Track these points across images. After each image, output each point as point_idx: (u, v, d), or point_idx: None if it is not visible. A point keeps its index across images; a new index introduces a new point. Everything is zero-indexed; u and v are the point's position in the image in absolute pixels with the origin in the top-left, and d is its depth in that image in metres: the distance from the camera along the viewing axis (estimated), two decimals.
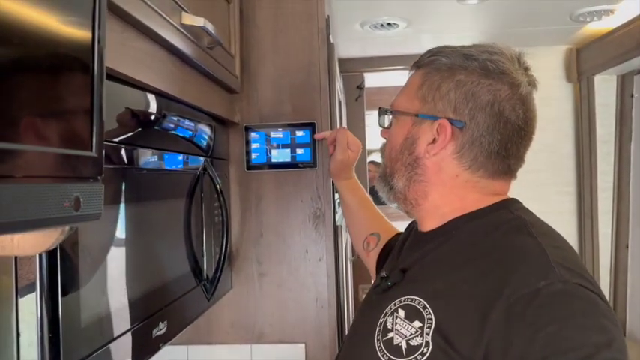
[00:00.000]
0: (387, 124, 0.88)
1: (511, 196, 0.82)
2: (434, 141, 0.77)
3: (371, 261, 1.15)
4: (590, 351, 0.56)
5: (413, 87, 0.82)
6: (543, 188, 2.55)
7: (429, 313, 0.68)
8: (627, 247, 2.42)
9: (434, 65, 0.80)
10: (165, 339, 0.85)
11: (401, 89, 0.87)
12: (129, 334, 0.72)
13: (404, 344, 0.68)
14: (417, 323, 0.68)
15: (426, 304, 0.69)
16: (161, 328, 0.83)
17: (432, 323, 0.67)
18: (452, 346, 0.63)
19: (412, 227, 0.97)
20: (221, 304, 1.31)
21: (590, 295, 0.62)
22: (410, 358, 0.66)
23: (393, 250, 0.98)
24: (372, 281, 1.13)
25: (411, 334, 0.68)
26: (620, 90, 2.45)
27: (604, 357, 0.56)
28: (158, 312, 0.83)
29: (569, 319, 0.59)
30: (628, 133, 2.41)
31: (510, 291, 0.62)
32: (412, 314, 0.70)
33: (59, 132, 0.39)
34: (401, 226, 1.06)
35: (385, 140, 0.90)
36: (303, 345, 1.30)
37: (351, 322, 1.67)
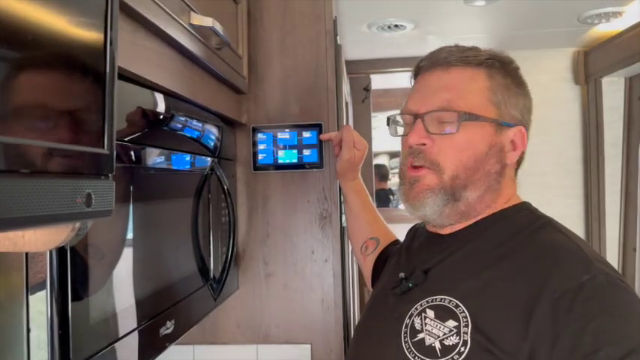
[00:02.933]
0: (454, 129, 0.76)
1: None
2: (514, 148, 0.80)
3: (367, 265, 1.15)
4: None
5: (480, 90, 0.78)
6: (550, 191, 2.53)
7: (463, 312, 0.68)
8: (635, 250, 2.41)
9: (493, 67, 0.80)
10: (172, 338, 0.85)
11: (449, 86, 0.78)
12: (137, 332, 0.73)
13: (437, 344, 0.68)
14: (451, 323, 0.68)
15: (459, 302, 0.69)
16: (168, 327, 0.83)
17: (468, 322, 0.67)
18: (494, 344, 0.64)
19: (416, 230, 0.96)
20: (227, 304, 1.31)
21: (628, 287, 0.64)
22: (446, 358, 0.66)
23: (395, 255, 0.97)
24: (368, 286, 1.13)
25: (445, 334, 0.68)
26: (628, 93, 2.43)
27: None
28: (165, 311, 0.83)
29: (617, 310, 0.61)
30: (636, 136, 2.39)
31: (555, 285, 0.63)
32: (444, 314, 0.70)
33: (72, 129, 0.40)
34: (402, 228, 1.06)
35: (423, 145, 0.78)
36: (309, 346, 1.30)
37: (356, 323, 1.66)
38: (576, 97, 2.59)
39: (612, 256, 2.48)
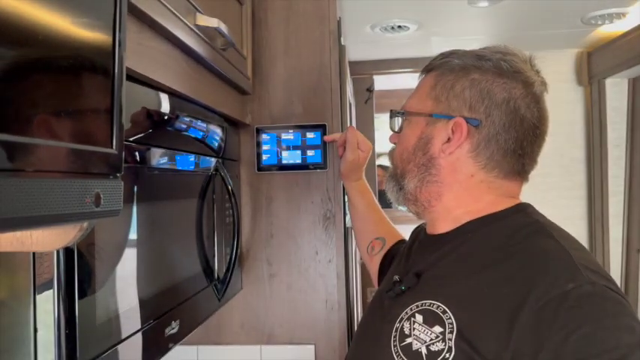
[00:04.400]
0: (397, 128, 0.87)
1: (523, 201, 0.82)
2: (449, 140, 0.76)
3: (374, 265, 1.14)
4: (624, 352, 0.56)
5: (425, 88, 0.82)
6: (554, 192, 2.53)
7: (449, 318, 0.67)
8: (638, 251, 2.40)
9: (447, 66, 0.79)
10: (177, 339, 0.85)
11: (412, 92, 0.86)
12: (142, 332, 0.73)
13: (424, 350, 0.67)
14: (437, 328, 0.67)
15: (446, 308, 0.68)
16: (173, 327, 0.83)
17: (453, 328, 0.66)
18: (476, 351, 0.62)
19: (418, 231, 0.96)
20: (231, 304, 1.31)
21: (617, 296, 0.62)
22: None
23: (398, 255, 0.97)
24: (375, 285, 1.13)
25: (432, 340, 0.67)
26: (632, 93, 2.43)
27: (637, 358, 0.56)
28: (170, 311, 0.83)
29: (601, 321, 0.59)
30: (639, 137, 2.39)
31: (539, 294, 0.61)
32: (431, 319, 0.69)
33: (81, 129, 0.40)
34: (406, 229, 1.06)
35: (394, 144, 0.89)
36: (313, 346, 1.30)
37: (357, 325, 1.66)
38: (580, 98, 2.59)
39: (615, 257, 2.47)
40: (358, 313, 1.81)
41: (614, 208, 2.47)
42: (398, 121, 0.88)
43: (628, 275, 2.44)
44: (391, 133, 0.90)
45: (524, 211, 0.77)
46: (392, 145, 0.91)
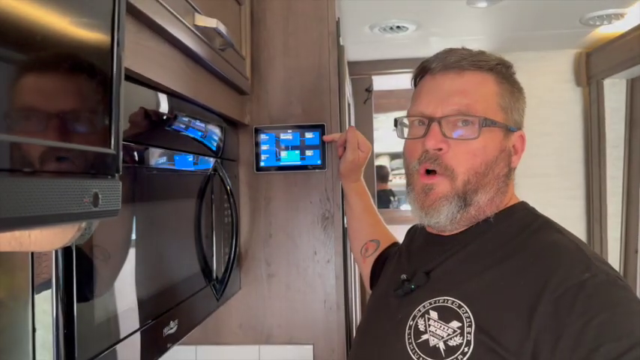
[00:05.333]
0: (475, 134, 0.76)
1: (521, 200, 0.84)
2: (516, 152, 0.82)
3: (366, 267, 1.15)
4: None
5: (489, 95, 0.79)
6: (552, 192, 2.53)
7: (466, 312, 0.69)
8: (637, 252, 2.40)
9: (501, 74, 0.81)
10: (176, 339, 0.85)
11: (462, 90, 0.78)
12: (141, 332, 0.73)
13: (441, 345, 0.68)
14: (454, 324, 0.69)
15: (461, 303, 0.70)
16: (172, 327, 0.83)
17: (471, 322, 0.67)
18: (497, 343, 0.64)
19: (415, 230, 0.96)
20: (230, 304, 1.31)
21: (627, 286, 0.65)
22: (450, 358, 0.67)
23: (395, 256, 0.98)
24: (367, 287, 1.13)
25: (449, 335, 0.68)
26: (630, 94, 2.44)
27: None
28: (169, 311, 0.83)
29: (618, 307, 0.61)
30: (638, 138, 2.39)
31: (556, 283, 0.64)
32: (447, 315, 0.70)
33: (80, 129, 0.40)
34: (401, 229, 1.06)
35: (439, 150, 0.77)
36: (312, 346, 1.30)
37: (358, 323, 1.66)
38: (578, 99, 2.59)
39: (614, 257, 2.47)
40: (357, 313, 1.81)
41: (613, 209, 2.47)
42: (474, 126, 0.76)
43: (626, 275, 2.44)
44: (438, 136, 0.77)
45: (527, 208, 0.81)
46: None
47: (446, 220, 0.77)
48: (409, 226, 1.02)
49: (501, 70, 0.80)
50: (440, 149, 0.77)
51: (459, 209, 0.77)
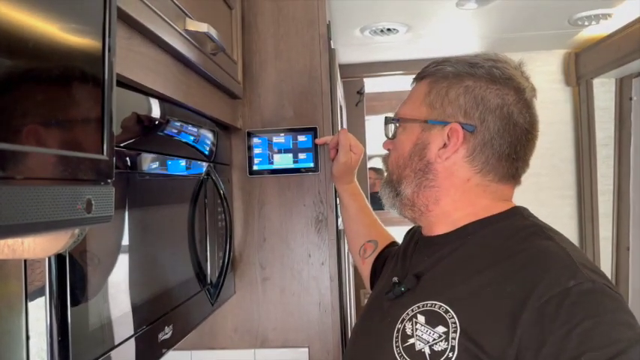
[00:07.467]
0: (391, 134, 0.89)
1: (516, 202, 0.83)
2: (445, 145, 0.79)
3: (366, 268, 1.15)
4: (624, 346, 0.58)
5: (419, 95, 0.83)
6: (543, 192, 2.55)
7: (452, 317, 0.68)
8: (628, 249, 2.43)
9: (440, 74, 0.81)
10: (171, 344, 0.85)
11: (405, 100, 0.88)
12: (136, 338, 0.72)
13: (427, 350, 0.68)
14: (440, 328, 0.69)
15: (448, 308, 0.70)
16: (167, 333, 0.83)
17: (457, 327, 0.67)
18: (481, 349, 0.64)
19: (413, 233, 0.97)
20: (224, 309, 1.31)
21: (615, 294, 0.64)
22: None
23: (393, 257, 0.98)
24: (367, 288, 1.14)
25: (434, 340, 0.68)
26: (619, 93, 2.46)
27: (637, 351, 0.58)
28: (163, 316, 0.83)
29: (602, 316, 0.61)
30: (627, 136, 2.41)
31: (541, 291, 0.63)
32: (434, 319, 0.70)
33: (71, 135, 0.40)
34: (400, 231, 1.06)
35: (388, 150, 0.90)
36: (307, 349, 1.30)
37: (353, 325, 1.66)
38: (568, 99, 2.61)
39: (606, 255, 2.49)
40: (352, 315, 1.81)
41: (604, 207, 2.49)
42: (392, 127, 0.89)
43: (618, 273, 2.46)
44: (385, 139, 0.91)
45: (521, 214, 0.80)
46: (386, 151, 0.92)
47: (387, 203, 0.89)
48: (405, 228, 1.03)
49: (438, 70, 0.81)
50: (389, 149, 0.90)
51: (394, 196, 0.87)
